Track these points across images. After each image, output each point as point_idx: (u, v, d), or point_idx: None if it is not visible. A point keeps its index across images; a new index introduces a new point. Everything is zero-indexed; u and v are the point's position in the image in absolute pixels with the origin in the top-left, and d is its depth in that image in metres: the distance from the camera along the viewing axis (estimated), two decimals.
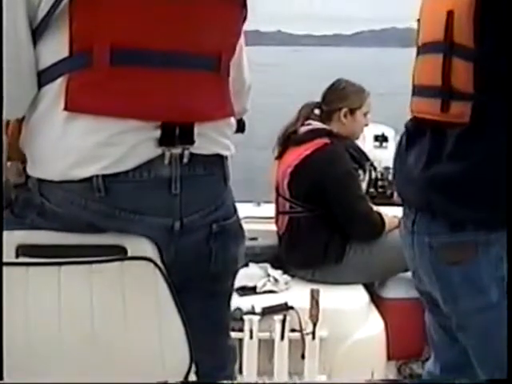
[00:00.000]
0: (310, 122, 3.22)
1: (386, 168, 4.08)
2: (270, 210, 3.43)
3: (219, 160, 1.59)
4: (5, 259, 1.36)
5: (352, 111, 3.23)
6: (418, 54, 1.83)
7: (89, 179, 1.42)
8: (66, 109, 1.40)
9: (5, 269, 1.33)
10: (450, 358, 1.96)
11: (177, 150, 1.48)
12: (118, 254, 1.46)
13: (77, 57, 1.40)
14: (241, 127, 1.74)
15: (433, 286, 1.79)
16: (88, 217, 1.45)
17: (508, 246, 1.62)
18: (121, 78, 1.42)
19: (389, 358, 3.10)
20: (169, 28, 1.45)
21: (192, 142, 1.50)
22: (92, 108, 1.41)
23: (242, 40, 1.68)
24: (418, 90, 1.82)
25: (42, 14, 1.39)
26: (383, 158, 4.24)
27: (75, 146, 1.42)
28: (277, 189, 3.26)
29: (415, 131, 1.81)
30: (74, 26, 1.38)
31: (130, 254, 1.46)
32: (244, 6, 1.60)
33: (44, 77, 1.43)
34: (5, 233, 1.39)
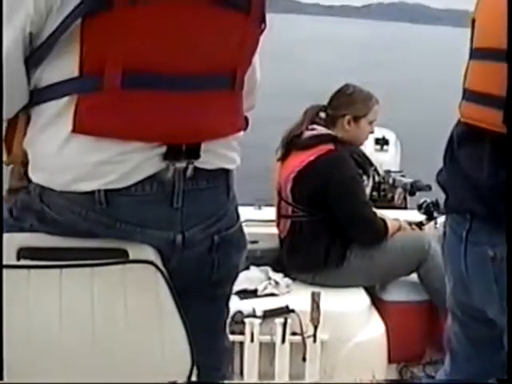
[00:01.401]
0: (314, 126, 3.20)
1: (387, 171, 4.09)
2: (270, 213, 3.43)
3: (224, 173, 1.57)
4: (6, 262, 1.36)
5: (356, 119, 3.20)
6: (474, 57, 1.76)
7: (90, 192, 1.42)
8: (74, 131, 1.39)
9: (6, 271, 1.33)
10: (471, 370, 1.95)
11: (181, 164, 1.47)
12: (120, 257, 1.45)
13: (87, 79, 1.38)
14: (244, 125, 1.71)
15: (490, 297, 1.73)
16: (88, 227, 1.45)
17: (508, 245, 1.62)
18: (131, 101, 1.40)
19: (390, 361, 3.10)
20: (182, 51, 1.43)
21: (197, 157, 1.49)
22: (100, 131, 1.40)
23: None
24: (473, 96, 1.75)
25: (50, 28, 1.37)
26: (384, 161, 4.25)
27: (76, 163, 1.41)
28: (279, 193, 3.25)
29: (467, 134, 1.76)
30: (86, 48, 1.37)
31: (131, 257, 1.46)
32: (263, 20, 1.57)
33: (48, 93, 1.42)
34: (6, 235, 1.39)
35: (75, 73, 1.39)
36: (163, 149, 1.45)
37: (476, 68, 1.76)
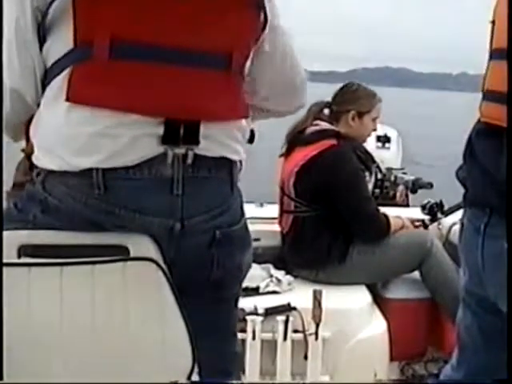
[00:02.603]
0: (317, 122, 3.21)
1: (389, 169, 4.08)
2: (272, 210, 3.43)
3: (227, 164, 1.56)
4: (7, 259, 1.36)
5: (360, 115, 3.21)
6: (493, 57, 1.77)
7: (88, 174, 1.43)
8: (67, 100, 1.42)
9: (7, 269, 1.33)
10: (479, 362, 1.96)
11: (180, 150, 1.47)
12: (121, 254, 1.45)
13: (80, 49, 1.42)
14: (250, 138, 1.69)
15: (504, 290, 1.71)
16: (89, 214, 1.45)
17: (508, 242, 1.62)
18: (120, 71, 1.42)
19: (391, 358, 3.09)
20: (174, 24, 1.44)
21: (197, 143, 1.48)
22: (91, 100, 1.42)
23: (283, 37, 1.65)
24: (492, 96, 1.76)
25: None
26: (386, 158, 4.24)
27: (73, 134, 1.43)
28: (282, 188, 3.26)
29: (486, 132, 1.77)
30: (78, 19, 1.40)
31: (132, 254, 1.46)
32: (260, 7, 1.56)
33: (52, 71, 1.46)
34: (7, 233, 1.39)
35: (71, 45, 1.42)
36: (160, 129, 1.45)
37: (495, 68, 1.77)
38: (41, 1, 1.42)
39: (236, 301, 1.72)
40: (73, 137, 1.43)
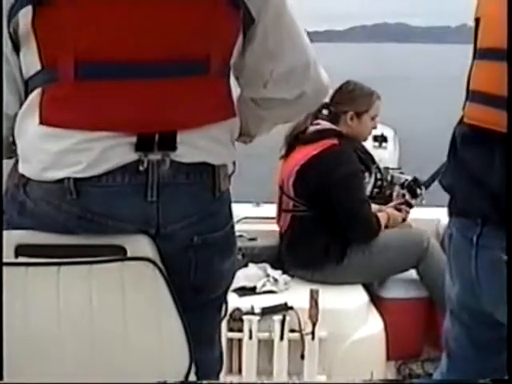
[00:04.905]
0: (318, 121, 3.21)
1: (386, 168, 4.08)
2: (269, 210, 3.43)
3: (208, 168, 1.51)
4: (4, 259, 1.36)
5: (358, 115, 3.22)
6: (480, 57, 1.71)
7: (61, 181, 1.42)
8: (41, 123, 1.42)
9: (4, 269, 1.33)
10: (470, 370, 1.93)
11: (155, 156, 1.44)
12: (118, 254, 1.45)
13: (46, 71, 1.42)
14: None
15: (502, 301, 1.66)
16: (62, 218, 1.44)
17: (507, 246, 1.60)
18: (87, 92, 1.41)
19: (388, 358, 3.10)
20: (139, 38, 1.41)
21: (174, 149, 1.45)
22: (62, 122, 1.41)
23: (279, 22, 1.53)
24: (480, 97, 1.70)
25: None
26: (382, 158, 4.23)
27: (43, 150, 1.43)
28: (281, 187, 3.25)
29: (474, 136, 1.71)
30: (40, 43, 1.40)
31: (129, 254, 1.45)
32: (233, 5, 1.47)
33: (28, 85, 1.46)
34: (5, 233, 1.39)
35: (38, 66, 1.43)
36: (133, 139, 1.43)
37: (483, 68, 1.72)
38: (14, 22, 1.40)
39: (217, 308, 1.69)
40: (42, 152, 1.43)
